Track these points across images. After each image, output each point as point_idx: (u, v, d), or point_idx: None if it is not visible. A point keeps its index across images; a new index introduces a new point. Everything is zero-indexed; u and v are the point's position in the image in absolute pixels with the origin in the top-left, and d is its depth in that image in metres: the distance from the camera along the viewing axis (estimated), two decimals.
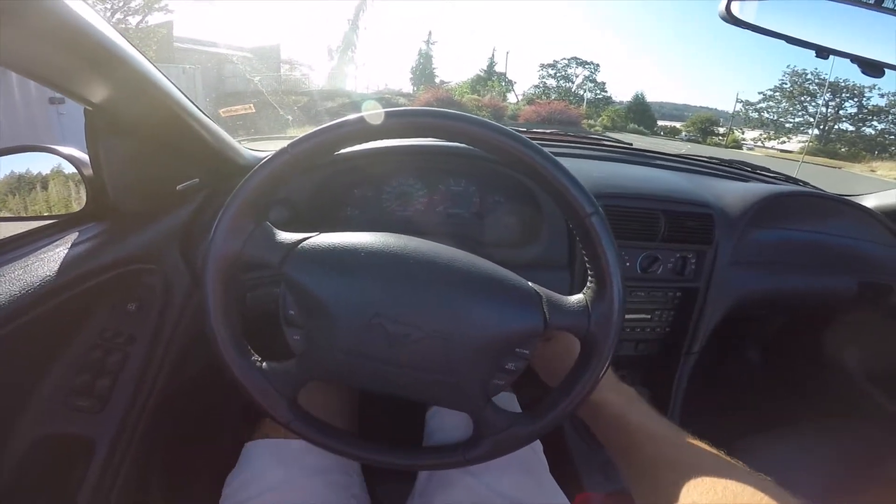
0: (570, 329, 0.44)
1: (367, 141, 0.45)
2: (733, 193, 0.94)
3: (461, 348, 0.42)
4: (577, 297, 0.45)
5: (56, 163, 0.65)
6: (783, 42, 0.75)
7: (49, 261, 0.53)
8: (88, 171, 0.61)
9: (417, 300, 0.42)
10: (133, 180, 0.62)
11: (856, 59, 0.72)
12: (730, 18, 0.70)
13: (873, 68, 0.72)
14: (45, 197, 0.69)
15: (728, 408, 1.25)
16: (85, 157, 0.61)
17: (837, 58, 0.75)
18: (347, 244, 0.44)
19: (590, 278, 0.45)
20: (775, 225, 0.98)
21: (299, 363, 0.45)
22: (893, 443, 1.10)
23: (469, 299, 0.42)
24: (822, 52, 0.70)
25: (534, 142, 0.43)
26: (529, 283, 0.45)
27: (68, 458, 0.58)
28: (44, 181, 0.69)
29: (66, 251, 0.55)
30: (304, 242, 0.44)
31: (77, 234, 0.59)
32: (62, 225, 0.62)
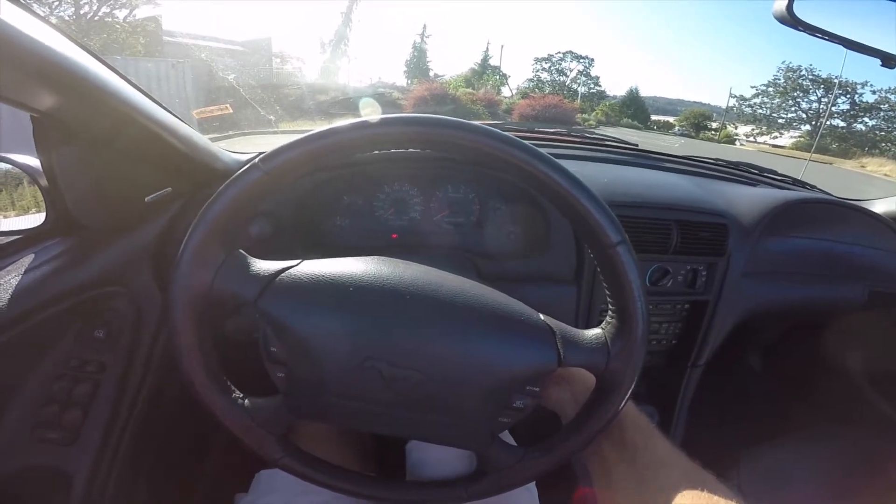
0: (586, 366, 0.41)
1: (355, 153, 0.39)
2: (746, 200, 0.90)
3: (466, 391, 0.38)
4: (594, 332, 0.41)
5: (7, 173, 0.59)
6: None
7: (6, 287, 0.49)
8: (45, 183, 0.55)
9: (416, 341, 0.37)
10: (95, 192, 0.56)
11: None
12: (791, 20, 0.65)
13: None
14: (32, 192, 0.65)
15: (733, 417, 1.22)
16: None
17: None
18: (335, 276, 0.38)
19: (610, 311, 0.40)
20: (787, 233, 0.94)
21: (286, 402, 0.41)
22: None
23: (475, 340, 0.38)
24: (890, 62, 0.65)
25: (540, 148, 0.37)
26: (542, 317, 0.41)
27: (45, 491, 0.56)
28: (30, 176, 0.64)
29: (23, 276, 0.51)
30: (285, 274, 0.39)
31: (35, 255, 0.54)
32: (21, 244, 0.57)
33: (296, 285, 0.38)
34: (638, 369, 0.40)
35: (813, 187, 1.19)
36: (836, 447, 1.13)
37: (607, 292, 0.40)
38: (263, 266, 0.39)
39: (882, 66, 0.66)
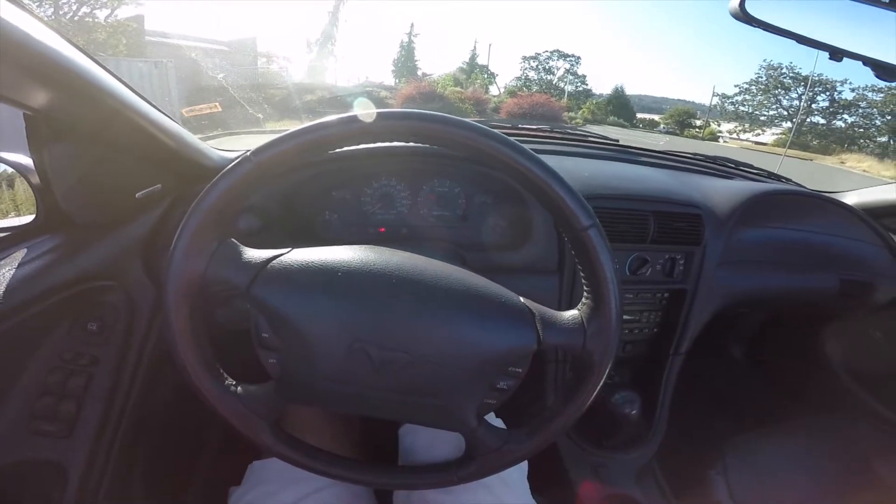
0: (564, 346, 0.43)
1: (344, 146, 0.41)
2: (721, 192, 0.94)
3: (452, 371, 0.40)
4: (571, 314, 0.43)
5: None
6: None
7: None
8: (37, 180, 0.56)
9: (402, 323, 0.39)
10: (86, 189, 0.57)
11: (869, 62, 0.71)
12: (743, 16, 0.69)
13: (887, 72, 0.71)
14: (10, 196, 0.65)
15: (715, 406, 1.25)
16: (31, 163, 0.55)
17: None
18: (323, 262, 0.40)
19: (585, 293, 0.43)
20: (761, 224, 0.97)
21: (278, 388, 0.43)
22: (875, 438, 1.12)
23: (459, 320, 0.40)
24: (836, 55, 0.69)
25: (522, 144, 0.40)
26: (521, 299, 0.43)
27: (41, 484, 0.56)
28: (9, 179, 0.65)
29: (16, 270, 0.52)
30: (275, 261, 0.40)
31: (27, 250, 0.55)
32: (11, 239, 0.58)
33: (286, 271, 0.40)
34: (614, 347, 0.42)
35: (788, 180, 1.23)
36: (820, 437, 1.14)
37: (582, 275, 0.42)
38: (255, 254, 0.41)
39: (830, 58, 0.70)
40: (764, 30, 0.70)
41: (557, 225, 0.43)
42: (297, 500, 0.55)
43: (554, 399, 0.48)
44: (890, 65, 0.71)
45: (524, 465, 0.63)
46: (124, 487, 0.64)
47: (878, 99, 19.75)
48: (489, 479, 0.50)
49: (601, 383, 0.44)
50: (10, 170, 0.63)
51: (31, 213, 0.62)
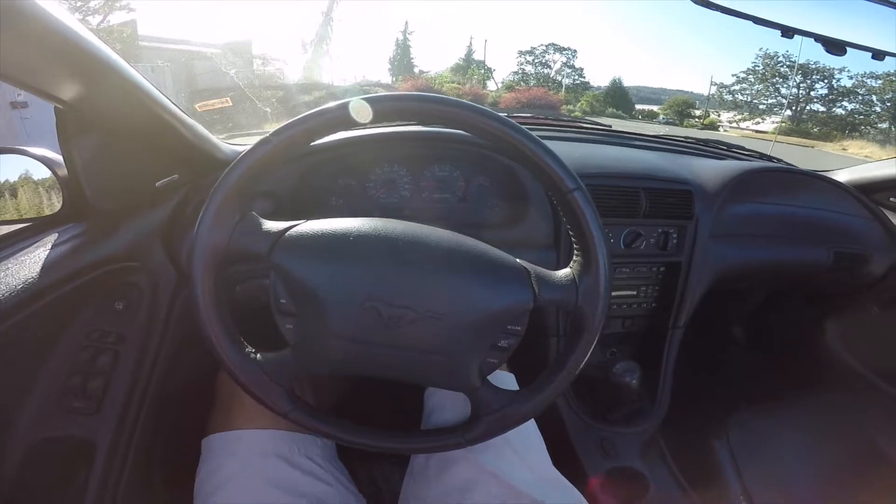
0: (559, 303, 0.46)
1: (350, 128, 0.45)
2: (710, 170, 0.97)
3: (455, 327, 0.43)
4: (564, 272, 0.46)
5: (24, 169, 0.63)
6: (753, 24, 0.77)
7: (29, 263, 0.52)
8: (63, 172, 0.59)
9: (409, 282, 0.42)
10: (110, 179, 0.60)
11: (819, 39, 0.74)
12: (700, 0, 0.72)
13: (836, 47, 0.74)
14: (14, 205, 0.67)
15: (718, 382, 1.27)
16: (58, 157, 0.59)
17: (806, 40, 0.77)
18: (335, 230, 0.44)
19: (576, 252, 0.46)
20: (751, 199, 1.00)
21: (294, 352, 0.45)
22: (873, 410, 1.14)
23: (460, 278, 0.43)
24: (787, 32, 0.72)
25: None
26: (517, 260, 0.46)
27: (70, 461, 0.58)
28: (12, 188, 0.67)
29: (46, 253, 0.54)
30: (292, 230, 0.44)
31: (56, 235, 0.58)
32: (39, 227, 0.60)
33: (302, 238, 0.43)
34: (605, 301, 0.45)
35: (779, 161, 1.25)
36: (821, 411, 1.16)
37: (571, 234, 0.45)
38: (273, 225, 0.44)
39: (782, 36, 0.73)
40: (721, 12, 0.74)
41: (547, 191, 0.47)
42: (238, 472, 0.56)
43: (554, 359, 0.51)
44: (838, 40, 0.74)
45: (540, 438, 0.65)
46: (146, 465, 0.66)
47: (876, 85, 19.62)
48: (509, 436, 0.51)
49: (595, 340, 0.46)
50: (12, 179, 0.66)
51: (39, 217, 0.65)
